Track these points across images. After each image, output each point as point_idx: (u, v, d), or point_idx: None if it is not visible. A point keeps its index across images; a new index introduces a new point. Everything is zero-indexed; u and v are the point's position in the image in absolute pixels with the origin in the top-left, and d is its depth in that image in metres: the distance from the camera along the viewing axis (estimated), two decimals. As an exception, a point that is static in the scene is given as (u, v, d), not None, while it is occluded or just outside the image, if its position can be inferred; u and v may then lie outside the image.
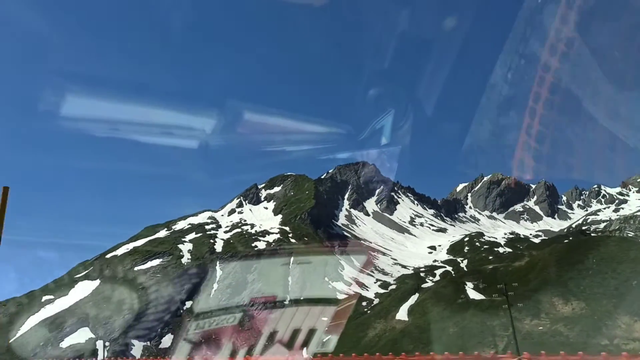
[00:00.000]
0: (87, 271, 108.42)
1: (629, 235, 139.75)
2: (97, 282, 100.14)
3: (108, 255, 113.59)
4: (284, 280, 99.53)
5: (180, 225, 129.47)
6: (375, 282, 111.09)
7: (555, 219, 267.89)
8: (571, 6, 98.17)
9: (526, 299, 67.17)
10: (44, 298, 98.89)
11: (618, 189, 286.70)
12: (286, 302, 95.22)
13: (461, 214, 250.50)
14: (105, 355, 78.62)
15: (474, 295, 76.13)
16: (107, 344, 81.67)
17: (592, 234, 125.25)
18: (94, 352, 78.92)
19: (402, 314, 78.56)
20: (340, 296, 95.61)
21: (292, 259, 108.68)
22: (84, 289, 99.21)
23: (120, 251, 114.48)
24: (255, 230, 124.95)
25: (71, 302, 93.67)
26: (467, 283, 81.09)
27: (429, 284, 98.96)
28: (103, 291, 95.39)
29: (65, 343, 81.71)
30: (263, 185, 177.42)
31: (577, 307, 62.63)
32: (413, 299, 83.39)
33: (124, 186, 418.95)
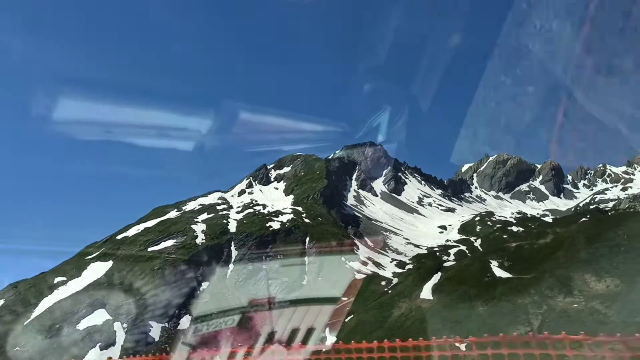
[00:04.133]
0: (97, 252, 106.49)
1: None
2: (110, 263, 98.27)
3: (119, 237, 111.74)
4: (301, 260, 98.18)
5: (191, 206, 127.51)
6: (391, 262, 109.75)
7: (561, 198, 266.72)
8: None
9: (556, 277, 65.83)
10: (56, 280, 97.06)
11: (624, 168, 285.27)
12: (304, 283, 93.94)
13: (467, 194, 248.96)
14: (124, 337, 77.33)
15: (500, 273, 74.52)
16: (124, 325, 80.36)
17: (610, 212, 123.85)
18: (113, 334, 77.52)
19: (426, 293, 76.98)
20: (359, 276, 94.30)
21: (307, 238, 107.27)
22: (96, 270, 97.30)
23: (131, 232, 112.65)
24: (268, 211, 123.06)
25: (85, 284, 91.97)
26: (491, 261, 79.43)
27: (449, 262, 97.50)
28: (117, 272, 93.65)
29: (82, 325, 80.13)
30: (272, 165, 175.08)
31: (612, 284, 61.00)
32: (436, 277, 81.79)
33: (121, 189, 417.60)
